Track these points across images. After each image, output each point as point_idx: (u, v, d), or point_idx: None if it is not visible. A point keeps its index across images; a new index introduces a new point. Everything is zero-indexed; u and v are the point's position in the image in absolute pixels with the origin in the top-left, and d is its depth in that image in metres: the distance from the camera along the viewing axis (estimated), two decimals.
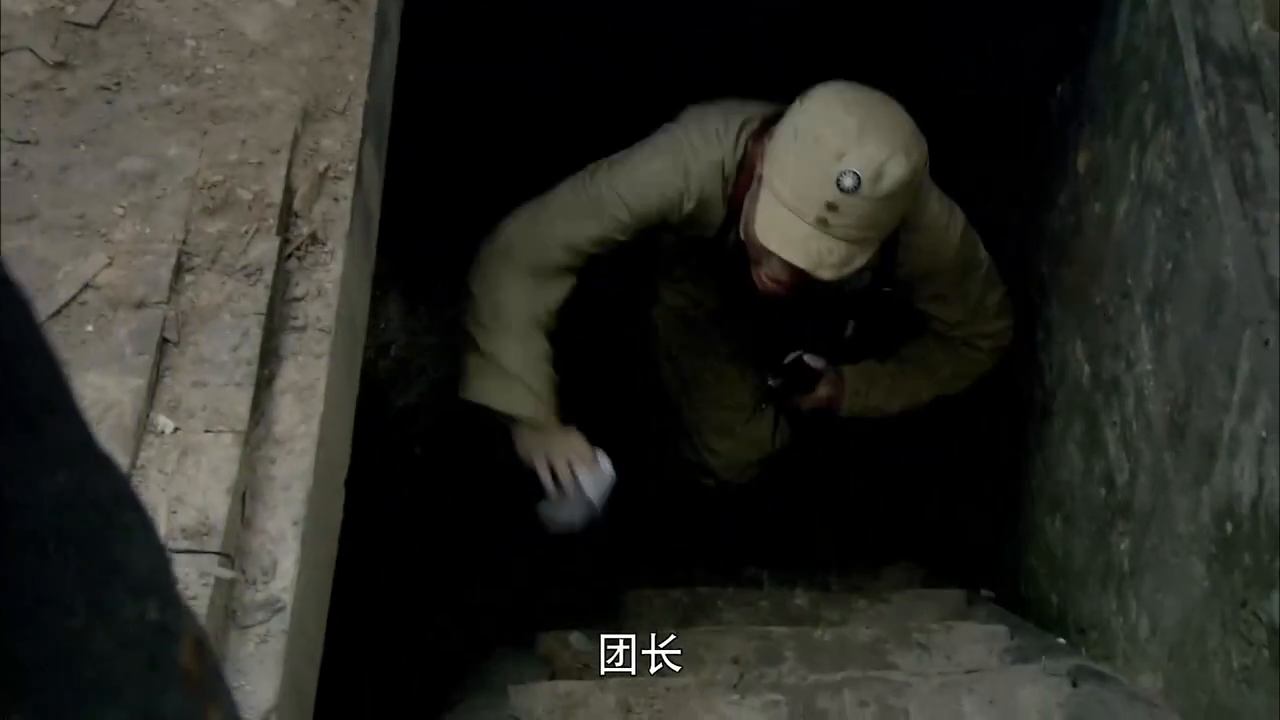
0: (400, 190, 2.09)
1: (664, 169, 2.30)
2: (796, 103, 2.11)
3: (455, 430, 3.48)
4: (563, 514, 2.53)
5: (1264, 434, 1.69)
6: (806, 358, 2.77)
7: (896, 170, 2.01)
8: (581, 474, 2.45)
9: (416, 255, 3.54)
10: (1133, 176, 2.28)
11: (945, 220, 2.40)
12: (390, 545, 2.96)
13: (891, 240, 2.27)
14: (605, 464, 2.49)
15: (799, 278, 2.12)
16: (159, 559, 0.76)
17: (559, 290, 2.39)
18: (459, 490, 3.32)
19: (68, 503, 0.63)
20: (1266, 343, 1.64)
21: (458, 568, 3.10)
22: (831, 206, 2.00)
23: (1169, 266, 2.09)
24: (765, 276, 2.19)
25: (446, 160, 3.33)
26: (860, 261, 2.07)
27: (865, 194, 1.99)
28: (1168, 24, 2.01)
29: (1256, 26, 1.80)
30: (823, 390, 2.79)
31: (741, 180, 2.25)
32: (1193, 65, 1.88)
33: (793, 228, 2.03)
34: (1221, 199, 1.78)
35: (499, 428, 2.53)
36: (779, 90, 2.22)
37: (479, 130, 3.50)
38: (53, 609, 0.64)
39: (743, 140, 2.26)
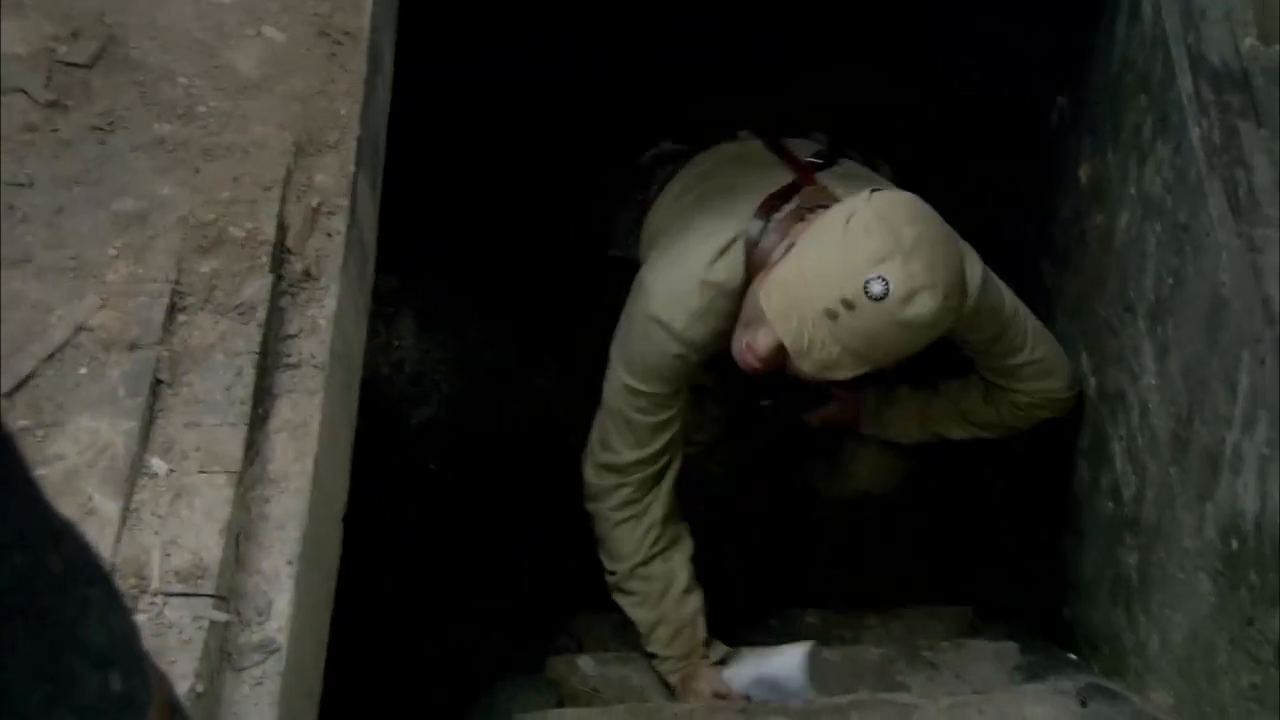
0: (403, 195, 2.09)
1: (649, 346, 2.20)
2: (866, 192, 2.00)
3: (470, 447, 3.49)
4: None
5: (1265, 451, 1.68)
6: None
7: (929, 304, 1.88)
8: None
9: (429, 271, 3.55)
10: (1132, 190, 2.27)
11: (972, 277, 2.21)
12: (401, 563, 2.96)
13: None
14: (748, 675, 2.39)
15: (778, 358, 2.01)
16: (122, 629, 0.76)
17: (665, 495, 2.37)
18: (473, 507, 3.32)
19: (23, 584, 0.64)
20: (1263, 361, 1.63)
21: (469, 587, 3.10)
22: (848, 304, 1.88)
23: (1169, 281, 2.08)
24: (746, 345, 2.05)
25: (445, 159, 3.33)
26: (845, 374, 1.95)
27: (886, 308, 1.87)
28: (1162, 37, 2.00)
29: (1248, 42, 1.79)
30: (834, 406, 2.65)
31: (751, 280, 2.12)
32: (1185, 81, 1.87)
33: (799, 305, 1.92)
34: (1216, 216, 1.77)
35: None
36: (776, 83, 2.14)
37: (476, 126, 3.49)
38: (12, 688, 0.64)
39: (734, 256, 2.14)
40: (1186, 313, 2.00)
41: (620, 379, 2.26)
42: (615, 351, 2.29)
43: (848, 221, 1.93)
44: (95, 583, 0.74)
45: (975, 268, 2.23)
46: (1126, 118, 2.30)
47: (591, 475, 2.39)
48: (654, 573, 2.37)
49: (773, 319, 1.95)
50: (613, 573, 2.41)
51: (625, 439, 2.30)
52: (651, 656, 2.44)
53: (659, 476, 2.35)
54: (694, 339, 2.17)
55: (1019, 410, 2.48)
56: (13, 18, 1.78)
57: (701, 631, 2.42)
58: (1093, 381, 2.54)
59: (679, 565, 2.39)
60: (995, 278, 2.32)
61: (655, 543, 2.36)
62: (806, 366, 1.94)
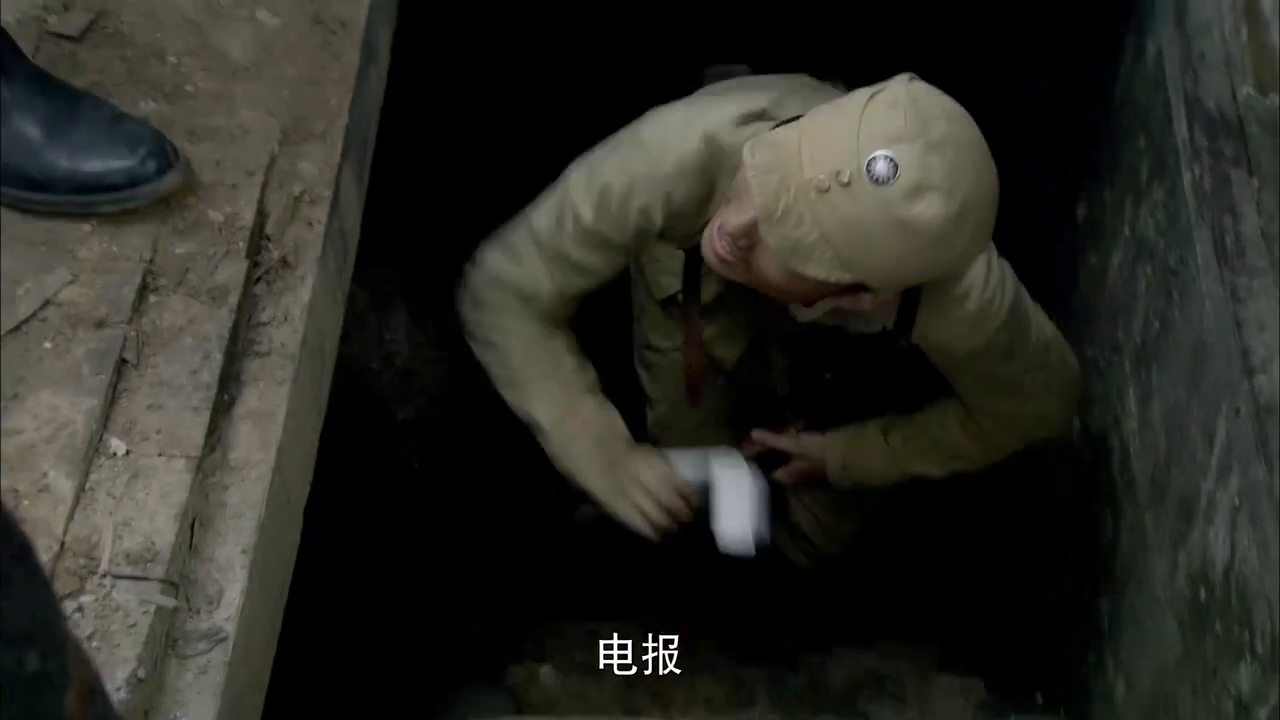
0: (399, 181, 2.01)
1: (620, 170, 1.88)
2: (906, 76, 1.64)
3: (455, 447, 3.46)
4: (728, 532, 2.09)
5: (1237, 502, 1.66)
6: (758, 435, 2.37)
7: (937, 209, 1.53)
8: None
9: (425, 264, 3.53)
10: (1127, 230, 2.26)
11: (984, 303, 1.87)
12: (372, 560, 2.94)
13: (913, 298, 1.86)
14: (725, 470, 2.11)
15: (746, 243, 1.68)
16: (43, 608, 0.74)
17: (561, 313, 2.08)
18: (451, 508, 3.30)
19: None
20: (1238, 412, 1.61)
21: (438, 588, 3.08)
22: (841, 180, 1.53)
23: (1157, 325, 2.07)
24: (716, 230, 1.72)
25: (427, 133, 3.26)
26: (815, 270, 1.60)
27: (886, 196, 1.52)
28: (1163, 80, 1.99)
29: (1245, 90, 1.78)
30: (799, 465, 2.36)
31: None
32: (1181, 126, 1.86)
33: (787, 165, 1.57)
34: (1202, 262, 1.76)
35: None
36: (740, 42, 1.99)
37: (446, 87, 3.41)
38: None
39: (757, 128, 1.78)
40: (1171, 358, 1.99)
41: (565, 190, 1.94)
42: (577, 164, 1.95)
43: (873, 96, 1.59)
44: (17, 559, 0.72)
45: (1001, 304, 1.90)
46: (1125, 158, 2.29)
47: (485, 283, 2.06)
48: (550, 349, 2.11)
49: (752, 172, 1.59)
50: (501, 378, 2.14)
51: (530, 258, 1.99)
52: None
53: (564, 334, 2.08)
54: (669, 195, 1.84)
55: (1004, 436, 2.16)
56: None
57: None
58: (1076, 422, 2.52)
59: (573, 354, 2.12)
60: (1026, 310, 1.99)
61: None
62: (773, 240, 1.59)
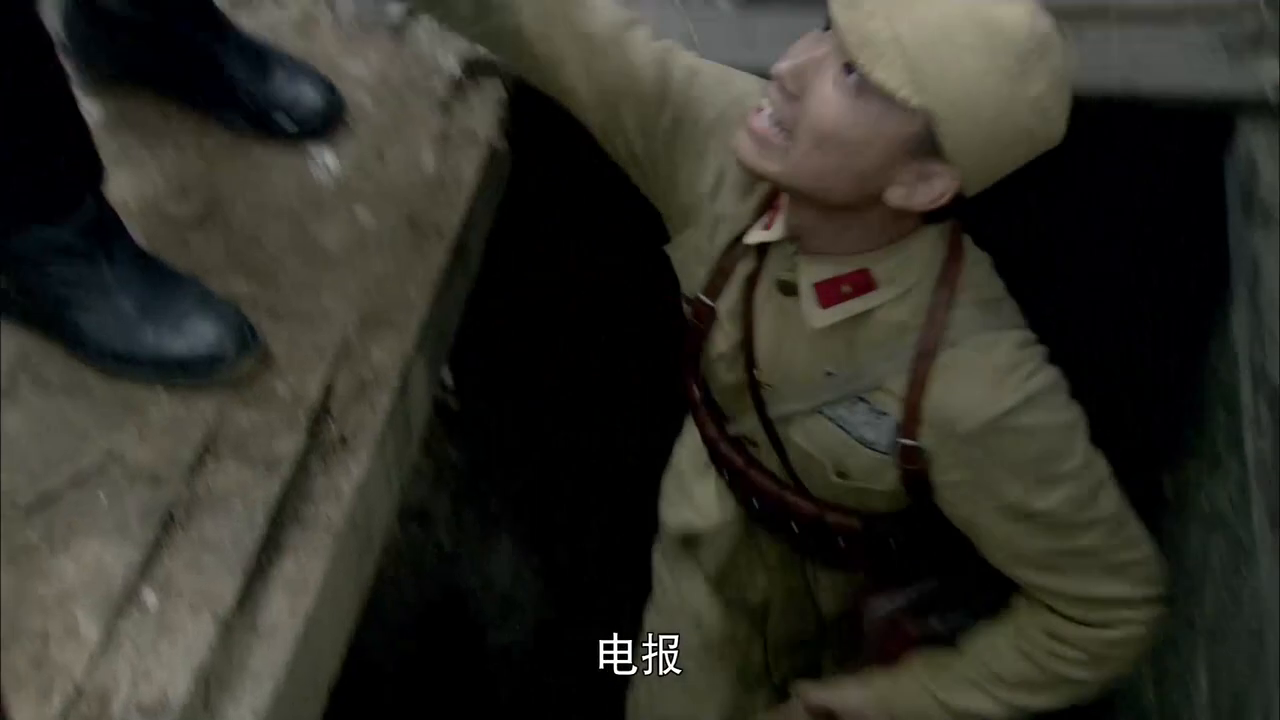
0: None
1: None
2: None
3: (546, 679, 3.43)
4: None
5: None
6: (802, 688, 2.02)
7: (1022, 13, 1.35)
8: None
9: (531, 500, 3.57)
10: (1205, 504, 2.23)
11: (1012, 361, 1.52)
12: None
13: (924, 368, 1.53)
14: None
15: (798, 84, 1.41)
16: None
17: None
18: None
19: None
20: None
21: None
22: None
23: (1227, 600, 2.01)
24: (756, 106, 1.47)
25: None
26: (880, 74, 1.34)
27: None
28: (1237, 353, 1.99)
29: None
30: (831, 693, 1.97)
31: None
32: (1247, 398, 1.85)
33: None
34: (1259, 536, 1.72)
35: None
36: None
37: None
38: None
39: None
40: (1237, 635, 1.93)
41: (687, 56, 1.69)
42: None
43: None
44: None
45: (1027, 384, 1.52)
46: (1206, 431, 2.27)
47: None
48: None
49: None
50: None
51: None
52: None
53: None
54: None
55: (1067, 645, 1.67)
56: (131, 171, 1.91)
57: None
58: (1152, 697, 2.44)
59: None
60: (1067, 426, 1.56)
61: None
62: (845, 23, 1.36)
